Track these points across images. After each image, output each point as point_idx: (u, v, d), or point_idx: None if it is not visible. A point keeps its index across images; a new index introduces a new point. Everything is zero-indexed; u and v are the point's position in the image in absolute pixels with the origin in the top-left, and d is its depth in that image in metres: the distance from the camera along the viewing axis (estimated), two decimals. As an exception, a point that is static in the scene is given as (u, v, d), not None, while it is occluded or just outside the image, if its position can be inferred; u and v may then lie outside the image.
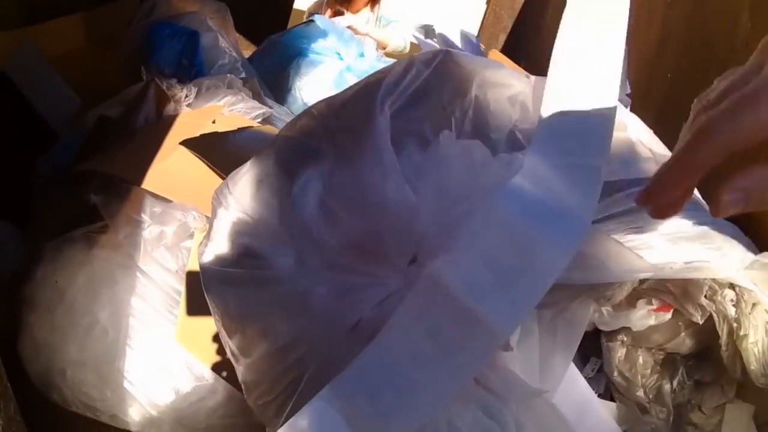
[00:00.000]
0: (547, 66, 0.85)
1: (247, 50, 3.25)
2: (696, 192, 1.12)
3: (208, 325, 1.24)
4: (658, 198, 0.50)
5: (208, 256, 0.89)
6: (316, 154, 0.79)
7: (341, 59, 2.87)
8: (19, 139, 2.06)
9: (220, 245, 0.87)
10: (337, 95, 0.84)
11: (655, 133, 2.00)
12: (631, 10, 0.84)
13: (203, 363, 1.27)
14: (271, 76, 2.77)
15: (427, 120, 0.81)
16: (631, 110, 2.36)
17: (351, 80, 2.77)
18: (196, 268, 1.26)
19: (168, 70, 2.23)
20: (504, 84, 0.90)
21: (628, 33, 0.87)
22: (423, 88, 0.81)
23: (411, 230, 0.73)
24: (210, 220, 0.92)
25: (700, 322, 1.05)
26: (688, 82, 2.15)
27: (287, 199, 0.79)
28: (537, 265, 0.66)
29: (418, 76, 0.81)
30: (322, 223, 0.76)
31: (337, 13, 3.47)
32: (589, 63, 0.85)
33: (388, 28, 3.45)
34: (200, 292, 1.26)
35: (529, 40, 3.60)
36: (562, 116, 0.80)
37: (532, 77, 0.94)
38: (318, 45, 2.87)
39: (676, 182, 0.49)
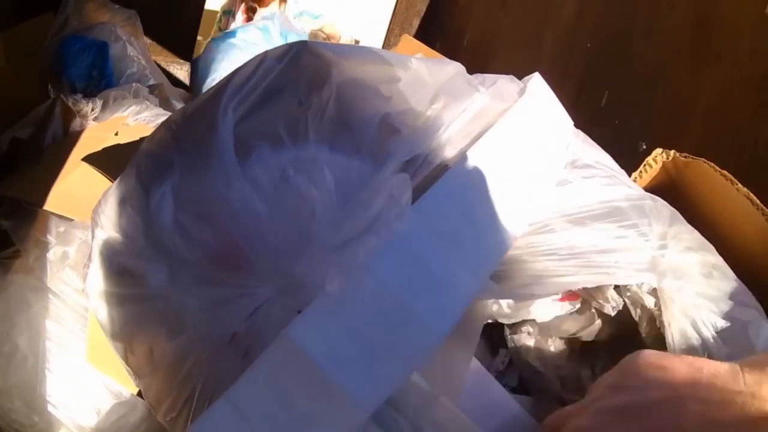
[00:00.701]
0: (462, 48, 0.84)
1: (160, 55, 3.25)
2: (613, 162, 1.08)
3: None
4: None
5: (91, 278, 0.87)
6: (169, 166, 0.77)
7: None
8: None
9: (99, 266, 0.86)
10: (192, 102, 0.82)
11: (577, 103, 2.02)
12: None
13: (117, 381, 1.27)
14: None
15: (282, 118, 0.79)
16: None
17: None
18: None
19: (79, 85, 2.22)
20: (374, 70, 0.87)
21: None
22: (275, 85, 0.79)
23: (266, 241, 0.71)
24: (91, 241, 0.90)
25: (612, 314, 0.96)
26: (609, 49, 2.17)
27: (148, 215, 0.78)
28: (406, 343, 0.65)
29: (269, 72, 0.79)
30: (178, 239, 0.74)
31: (250, 10, 3.48)
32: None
33: (324, 22, 3.46)
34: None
35: (444, 23, 3.60)
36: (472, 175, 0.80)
37: (415, 60, 0.91)
38: (240, 38, 2.90)
39: None
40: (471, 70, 0.96)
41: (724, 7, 1.70)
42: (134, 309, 0.82)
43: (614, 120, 1.96)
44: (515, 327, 1.02)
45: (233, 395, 0.64)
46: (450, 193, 0.77)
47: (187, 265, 0.75)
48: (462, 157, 0.82)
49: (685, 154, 1.15)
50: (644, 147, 1.76)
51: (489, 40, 3.11)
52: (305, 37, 3.17)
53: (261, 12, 3.41)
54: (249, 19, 3.48)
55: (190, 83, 3.04)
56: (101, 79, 2.28)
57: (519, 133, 0.90)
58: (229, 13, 3.61)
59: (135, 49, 2.49)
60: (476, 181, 0.81)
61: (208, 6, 3.64)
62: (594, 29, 2.28)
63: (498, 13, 3.06)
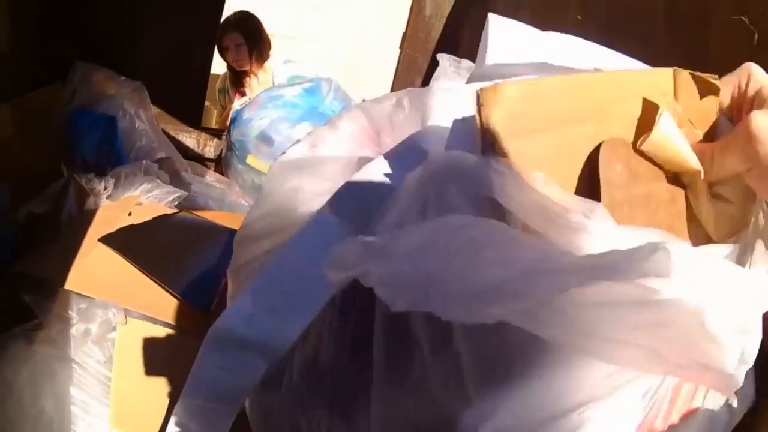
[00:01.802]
0: None
1: (169, 124, 3.34)
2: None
3: (140, 406, 1.38)
4: None
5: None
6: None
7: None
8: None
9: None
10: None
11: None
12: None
13: (139, 443, 1.40)
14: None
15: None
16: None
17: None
18: (120, 359, 1.40)
19: (90, 158, 2.33)
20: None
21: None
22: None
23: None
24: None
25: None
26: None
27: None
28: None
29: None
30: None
31: (239, 85, 3.69)
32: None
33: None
34: (128, 378, 1.39)
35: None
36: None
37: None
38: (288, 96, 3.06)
39: None
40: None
41: (712, 45, 1.82)
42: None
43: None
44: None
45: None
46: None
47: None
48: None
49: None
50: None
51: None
52: (353, 103, 3.27)
53: (252, 85, 3.57)
54: (242, 94, 3.65)
55: (227, 136, 3.13)
56: (111, 152, 2.40)
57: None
58: (224, 90, 3.77)
59: (143, 122, 2.62)
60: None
61: (214, 70, 3.78)
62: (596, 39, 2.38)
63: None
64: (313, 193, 0.91)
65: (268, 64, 3.67)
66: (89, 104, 2.59)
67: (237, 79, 3.69)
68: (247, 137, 2.90)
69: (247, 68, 3.62)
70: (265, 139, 2.86)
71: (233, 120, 3.01)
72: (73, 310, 1.50)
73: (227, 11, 3.77)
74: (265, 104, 2.99)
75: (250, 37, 3.57)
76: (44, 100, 2.79)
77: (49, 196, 1.96)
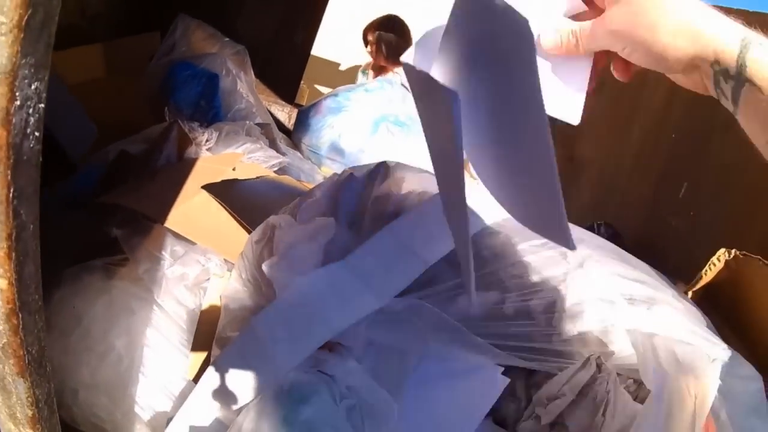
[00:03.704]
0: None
1: (263, 93, 3.33)
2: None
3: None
4: None
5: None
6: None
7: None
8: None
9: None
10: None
11: (658, 192, 2.10)
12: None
13: (214, 397, 1.35)
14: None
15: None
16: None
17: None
18: (210, 307, 1.37)
19: (186, 111, 2.32)
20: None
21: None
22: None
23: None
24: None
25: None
26: (692, 141, 2.24)
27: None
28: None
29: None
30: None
31: (381, 71, 3.70)
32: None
33: None
34: (211, 330, 1.36)
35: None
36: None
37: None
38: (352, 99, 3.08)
39: None
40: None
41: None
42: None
43: (690, 211, 2.03)
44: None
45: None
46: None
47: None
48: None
49: (744, 252, 1.27)
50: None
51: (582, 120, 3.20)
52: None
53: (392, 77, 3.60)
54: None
55: (294, 129, 3.15)
56: (209, 109, 2.38)
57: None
58: (365, 73, 3.82)
59: (244, 85, 2.60)
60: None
61: (314, 52, 3.77)
62: (679, 121, 2.35)
63: (592, 96, 3.15)
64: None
65: None
66: (191, 58, 2.57)
67: (379, 68, 3.75)
68: (319, 151, 2.92)
69: (382, 64, 3.68)
70: (337, 150, 2.88)
71: (299, 120, 3.02)
72: (167, 251, 1.47)
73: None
74: (327, 113, 3.00)
75: (383, 45, 3.62)
76: (139, 47, 2.79)
77: (146, 138, 1.95)
